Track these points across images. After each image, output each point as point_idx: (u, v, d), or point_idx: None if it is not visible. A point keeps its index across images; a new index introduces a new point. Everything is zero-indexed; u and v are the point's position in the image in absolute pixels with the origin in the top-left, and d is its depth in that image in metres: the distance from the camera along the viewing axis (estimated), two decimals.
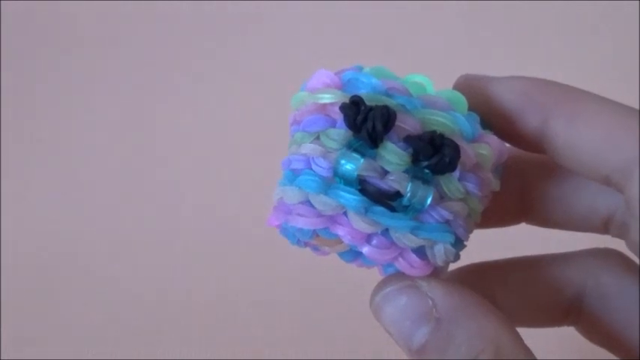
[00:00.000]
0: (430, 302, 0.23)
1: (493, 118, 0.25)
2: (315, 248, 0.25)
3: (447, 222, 0.24)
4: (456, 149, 0.23)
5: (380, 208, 0.23)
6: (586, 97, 0.24)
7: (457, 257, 0.25)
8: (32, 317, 0.47)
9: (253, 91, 0.54)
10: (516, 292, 0.28)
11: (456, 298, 0.23)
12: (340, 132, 0.23)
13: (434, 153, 0.23)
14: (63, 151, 0.54)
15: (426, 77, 0.25)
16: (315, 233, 0.24)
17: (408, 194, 0.23)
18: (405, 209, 0.23)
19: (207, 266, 0.48)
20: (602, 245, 0.29)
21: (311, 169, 0.24)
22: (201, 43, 0.57)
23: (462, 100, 0.25)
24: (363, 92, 0.24)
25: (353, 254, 0.25)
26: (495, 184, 0.25)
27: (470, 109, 0.25)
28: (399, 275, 0.24)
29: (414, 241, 0.23)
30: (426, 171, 0.23)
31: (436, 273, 0.24)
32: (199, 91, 0.55)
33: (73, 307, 0.47)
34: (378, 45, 0.52)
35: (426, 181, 0.23)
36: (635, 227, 0.24)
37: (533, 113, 0.25)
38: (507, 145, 0.26)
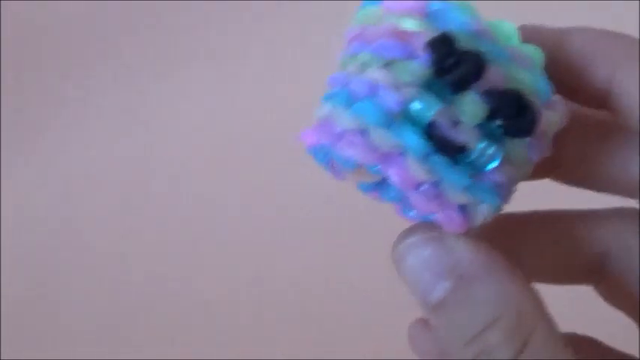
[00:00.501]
0: (455, 257, 0.22)
1: (560, 71, 0.24)
2: (337, 172, 0.23)
3: (501, 186, 0.22)
4: (536, 115, 0.22)
5: (442, 158, 0.22)
6: None
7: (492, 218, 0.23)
8: (31, 317, 0.47)
9: (254, 87, 0.54)
10: (540, 247, 0.27)
11: (481, 257, 0.23)
12: (421, 67, 0.21)
13: (515, 114, 0.21)
14: (63, 147, 0.54)
15: (514, 26, 0.23)
16: (358, 165, 0.22)
17: (476, 152, 0.22)
18: (467, 165, 0.22)
19: (209, 264, 0.48)
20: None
21: (377, 98, 0.22)
22: (201, 33, 0.56)
23: (541, 59, 0.23)
24: (453, 30, 0.22)
25: (373, 185, 0.24)
26: (549, 150, 0.24)
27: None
28: (427, 225, 0.23)
29: (462, 198, 0.22)
30: (500, 131, 0.22)
31: (469, 231, 0.23)
32: (200, 82, 0.55)
33: (72, 307, 0.47)
34: None
35: (496, 141, 0.22)
36: None
37: (602, 66, 0.24)
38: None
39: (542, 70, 0.23)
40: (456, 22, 0.22)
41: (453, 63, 0.21)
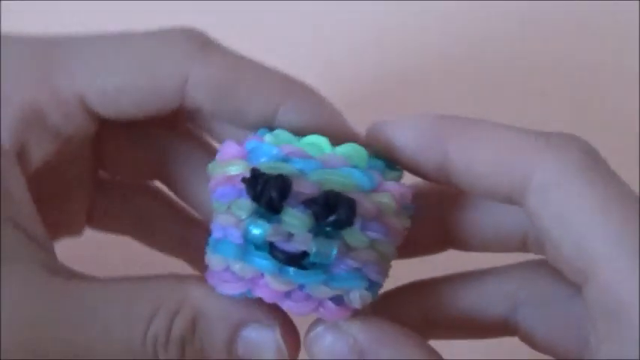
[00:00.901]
0: (351, 338, 0.26)
1: (398, 161, 0.27)
2: None
3: (358, 270, 0.26)
4: (350, 206, 0.25)
5: (291, 268, 0.25)
6: (480, 127, 0.26)
7: (375, 296, 0.27)
8: None
9: None
10: (450, 308, 0.29)
11: (373, 330, 0.26)
12: (246, 202, 0.25)
13: (330, 212, 0.25)
14: None
15: (323, 137, 0.27)
16: (242, 294, 0.26)
17: (313, 251, 0.25)
18: (314, 266, 0.25)
19: None
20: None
21: (227, 237, 0.26)
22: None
23: (360, 152, 0.26)
24: (263, 161, 0.26)
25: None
26: (405, 223, 0.27)
27: (378, 155, 0.27)
28: (317, 321, 0.27)
29: (327, 292, 0.25)
30: (327, 229, 0.25)
31: (359, 312, 0.26)
32: None
33: None
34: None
35: (329, 237, 0.25)
36: (548, 240, 0.25)
37: (431, 151, 0.26)
38: (418, 180, 0.28)
39: (363, 163, 0.26)
40: (267, 154, 0.26)
41: (261, 190, 0.25)
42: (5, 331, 0.25)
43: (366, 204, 0.25)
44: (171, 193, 0.35)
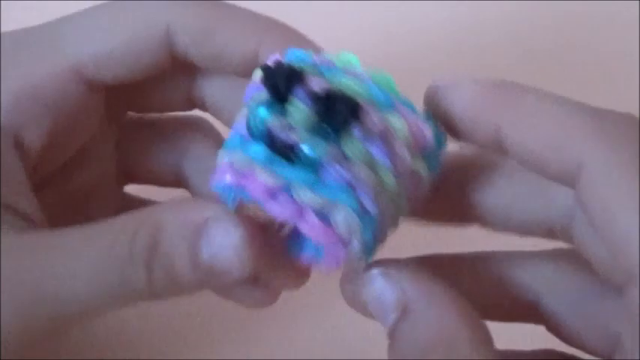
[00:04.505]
0: (399, 290, 0.25)
1: (453, 126, 0.26)
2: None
3: (350, 185, 0.24)
4: (352, 106, 0.24)
5: (282, 161, 0.24)
6: (535, 100, 0.25)
7: (371, 239, 0.25)
8: None
9: None
10: (477, 285, 0.28)
11: (422, 288, 0.25)
12: (260, 93, 0.25)
13: (333, 113, 0.24)
14: None
15: (355, 56, 0.26)
16: (236, 195, 0.25)
17: (306, 147, 0.24)
18: (306, 164, 0.24)
19: None
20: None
21: (236, 131, 0.25)
22: None
23: (390, 82, 0.25)
24: (288, 60, 0.25)
25: (296, 245, 0.26)
26: (420, 167, 0.25)
27: (435, 117, 0.26)
28: (377, 262, 0.26)
29: (313, 198, 0.24)
30: (326, 127, 0.24)
31: (346, 247, 0.24)
32: None
33: None
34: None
35: (327, 137, 0.24)
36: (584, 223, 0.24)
37: (485, 121, 0.25)
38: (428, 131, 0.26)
39: (382, 84, 0.25)
40: (297, 57, 0.26)
41: (272, 78, 0.24)
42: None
43: (371, 114, 0.24)
44: None
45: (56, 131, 0.31)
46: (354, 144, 0.24)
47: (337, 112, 0.24)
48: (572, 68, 0.48)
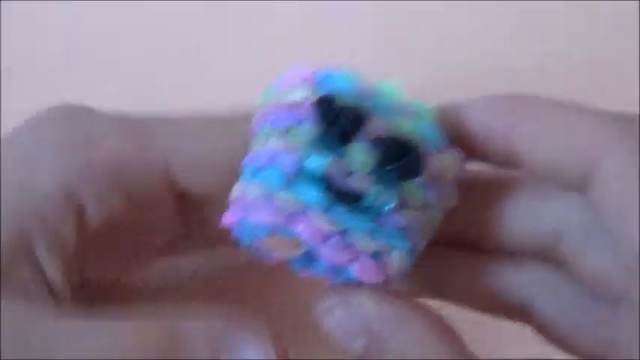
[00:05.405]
0: (363, 315, 0.24)
1: (465, 142, 0.26)
2: (267, 253, 0.25)
3: (405, 229, 0.24)
4: (422, 155, 0.24)
5: (341, 207, 0.23)
6: (548, 110, 0.25)
7: (409, 267, 0.25)
8: None
9: None
10: (464, 281, 0.29)
11: (386, 310, 0.24)
12: (309, 128, 0.23)
13: (401, 157, 0.23)
14: None
15: (396, 85, 0.25)
16: (272, 231, 0.24)
17: (372, 196, 0.23)
18: (366, 211, 0.23)
19: None
20: None
21: (275, 164, 0.24)
22: None
23: (427, 111, 0.25)
24: (334, 92, 0.24)
25: (304, 261, 0.25)
26: (454, 198, 0.25)
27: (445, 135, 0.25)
28: (337, 289, 0.25)
29: (370, 245, 0.23)
30: (391, 175, 0.23)
31: (386, 283, 0.24)
32: None
33: None
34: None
35: (390, 185, 0.23)
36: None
37: (499, 132, 0.25)
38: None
39: (430, 121, 0.25)
40: (339, 86, 0.24)
41: (334, 117, 0.23)
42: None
43: (435, 160, 0.24)
44: None
45: (122, 216, 0.29)
46: (416, 192, 0.24)
47: (408, 161, 0.23)
48: (572, 68, 0.48)
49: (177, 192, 0.30)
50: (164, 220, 0.31)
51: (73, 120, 0.29)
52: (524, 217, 0.27)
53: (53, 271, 0.27)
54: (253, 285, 0.34)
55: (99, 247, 0.30)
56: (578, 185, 0.25)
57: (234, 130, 0.28)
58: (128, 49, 0.47)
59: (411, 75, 0.47)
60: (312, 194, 0.23)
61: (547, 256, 0.27)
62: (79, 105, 0.30)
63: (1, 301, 0.25)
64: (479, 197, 0.28)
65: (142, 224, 0.31)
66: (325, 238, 0.23)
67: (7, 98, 0.43)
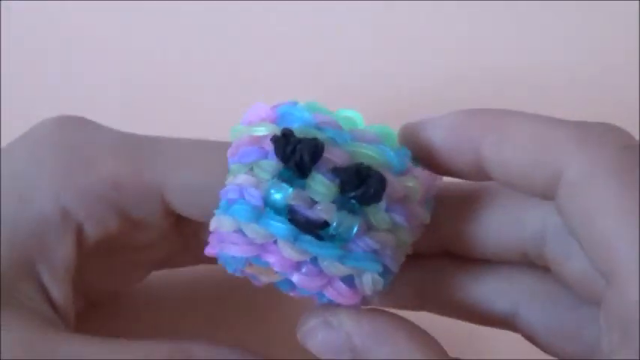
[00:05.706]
0: (343, 334, 0.25)
1: (432, 160, 0.26)
2: (253, 277, 0.26)
3: (375, 252, 0.25)
4: (381, 181, 0.24)
5: (308, 237, 0.24)
6: (513, 121, 0.25)
7: (386, 286, 0.26)
8: None
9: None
10: (448, 292, 0.29)
11: (368, 326, 0.25)
12: (271, 163, 0.25)
13: (359, 184, 0.24)
14: None
15: (357, 112, 0.26)
16: (248, 261, 0.25)
17: (335, 224, 0.24)
18: (333, 238, 0.24)
19: None
20: None
21: (244, 198, 0.25)
22: None
23: (391, 135, 0.26)
24: (294, 125, 0.25)
25: (289, 284, 0.26)
26: (425, 217, 0.26)
27: (413, 156, 0.26)
28: (317, 310, 0.26)
29: (341, 269, 0.24)
30: (353, 202, 0.24)
31: (365, 302, 0.26)
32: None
33: None
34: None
35: (352, 212, 0.24)
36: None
37: (465, 147, 0.26)
38: (437, 179, 0.27)
39: (392, 144, 0.26)
40: (299, 119, 0.25)
41: (291, 150, 0.24)
42: None
43: (395, 184, 0.25)
44: None
45: (118, 234, 0.30)
46: (380, 215, 0.25)
47: (369, 187, 0.24)
48: (572, 68, 0.48)
49: (173, 214, 0.31)
50: (160, 237, 0.32)
51: (71, 136, 0.30)
52: (505, 223, 0.28)
53: (55, 289, 0.28)
54: (254, 294, 0.35)
55: (96, 262, 0.31)
56: (547, 195, 0.25)
57: (226, 156, 0.29)
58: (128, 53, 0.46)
59: (410, 75, 0.48)
60: (278, 226, 0.24)
61: (532, 261, 0.28)
62: (76, 117, 0.31)
63: (6, 315, 0.26)
64: (459, 208, 0.28)
65: (138, 240, 0.32)
66: (296, 267, 0.24)
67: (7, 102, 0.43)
